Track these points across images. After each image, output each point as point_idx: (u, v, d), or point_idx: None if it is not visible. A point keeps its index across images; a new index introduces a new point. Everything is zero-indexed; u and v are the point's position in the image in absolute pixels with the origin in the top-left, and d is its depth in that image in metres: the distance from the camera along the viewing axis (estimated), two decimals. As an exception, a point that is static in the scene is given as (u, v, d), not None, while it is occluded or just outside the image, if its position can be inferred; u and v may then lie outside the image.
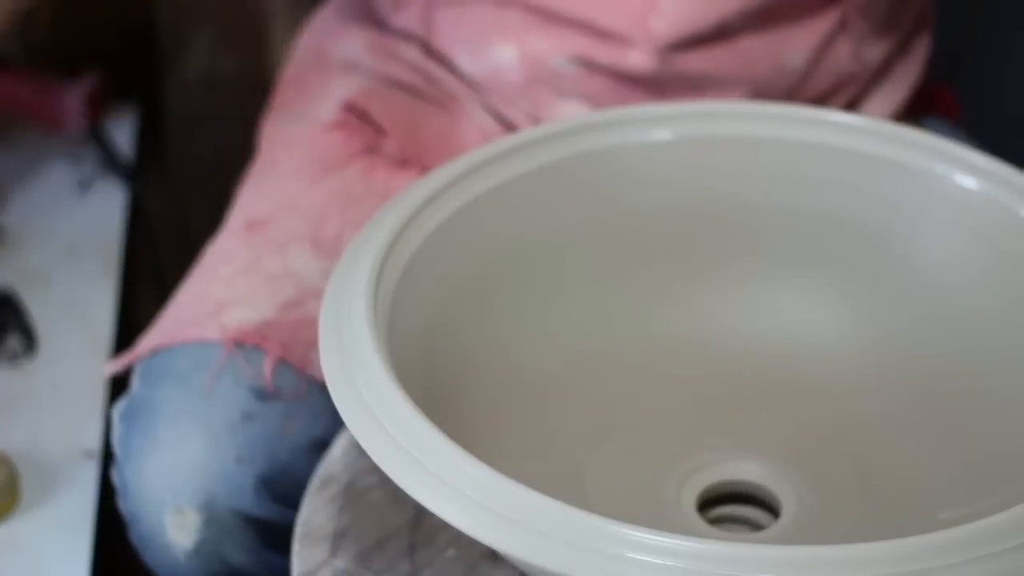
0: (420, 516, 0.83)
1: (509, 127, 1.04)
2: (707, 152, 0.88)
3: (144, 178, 1.41)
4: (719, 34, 0.98)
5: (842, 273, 0.88)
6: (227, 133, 1.54)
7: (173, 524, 0.90)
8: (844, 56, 1.02)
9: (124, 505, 0.93)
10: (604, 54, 0.98)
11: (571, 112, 1.01)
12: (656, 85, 0.99)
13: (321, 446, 0.92)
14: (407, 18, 1.06)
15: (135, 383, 0.95)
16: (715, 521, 0.81)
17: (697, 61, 0.98)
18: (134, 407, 0.93)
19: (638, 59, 0.98)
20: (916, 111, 1.13)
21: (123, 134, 1.39)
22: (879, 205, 0.87)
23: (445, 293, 0.81)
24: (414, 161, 1.03)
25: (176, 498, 0.90)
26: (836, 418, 0.84)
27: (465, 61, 1.03)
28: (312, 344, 0.92)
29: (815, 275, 0.88)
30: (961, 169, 0.84)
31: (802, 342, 0.87)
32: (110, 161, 1.34)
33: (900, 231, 0.87)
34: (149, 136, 1.48)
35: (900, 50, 1.07)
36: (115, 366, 0.98)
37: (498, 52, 1.01)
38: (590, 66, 0.99)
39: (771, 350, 0.87)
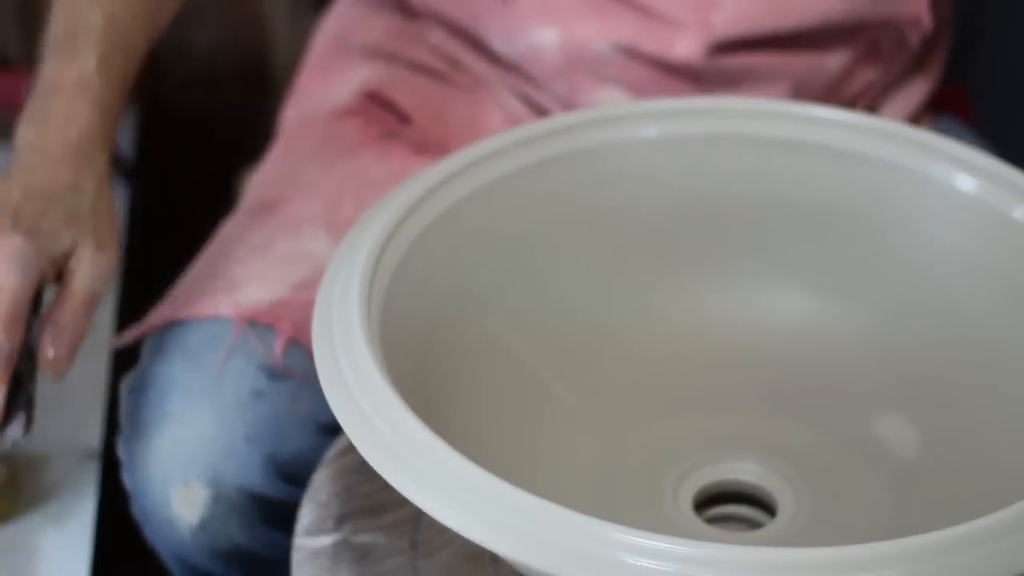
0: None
1: (539, 111, 1.04)
2: (702, 150, 0.88)
3: (144, 178, 1.41)
4: (768, 40, 0.98)
5: (838, 271, 0.88)
6: (227, 133, 1.55)
7: (179, 499, 0.90)
8: (874, 65, 1.03)
9: (129, 478, 0.93)
10: (651, 43, 0.98)
11: (608, 98, 1.00)
12: (697, 77, 0.99)
13: (330, 427, 0.92)
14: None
15: (145, 356, 0.94)
16: (712, 521, 0.82)
17: (742, 59, 0.99)
18: (144, 380, 0.93)
19: (686, 51, 0.97)
20: (931, 112, 1.13)
21: (123, 134, 1.39)
22: (876, 203, 0.87)
23: (440, 287, 0.81)
24: (435, 146, 1.02)
25: (184, 473, 0.90)
26: (833, 417, 0.85)
27: (499, 42, 1.02)
28: None
29: (811, 273, 0.88)
30: (958, 168, 0.85)
31: (798, 340, 0.87)
32: (110, 161, 1.34)
33: (897, 229, 0.87)
34: (149, 136, 1.48)
35: (921, 55, 1.08)
36: (125, 338, 0.97)
37: (538, 34, 1.00)
38: (633, 54, 0.99)
39: (767, 348, 0.88)
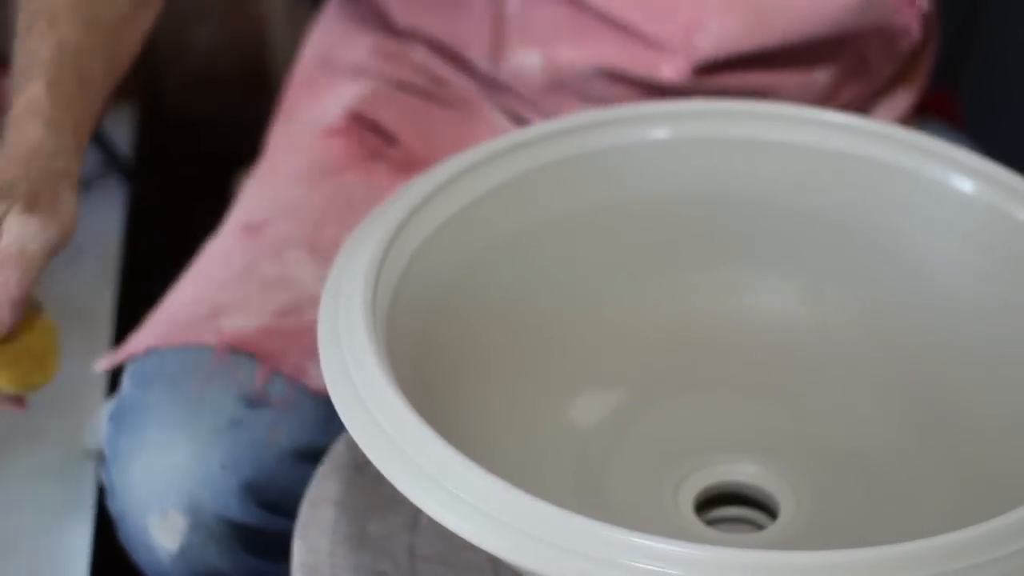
0: (419, 514, 0.84)
1: (525, 125, 1.04)
2: (703, 151, 0.88)
3: (144, 178, 1.41)
4: (755, 58, 0.98)
5: (838, 274, 0.88)
6: (227, 133, 1.55)
7: (157, 526, 0.90)
8: (862, 77, 1.03)
9: (112, 504, 0.93)
10: (636, 66, 0.98)
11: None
12: (683, 96, 0.98)
13: (308, 455, 0.92)
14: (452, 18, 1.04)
15: (125, 384, 0.94)
16: (713, 523, 0.82)
17: (729, 79, 0.98)
18: (123, 408, 0.93)
19: (672, 72, 0.97)
20: (919, 116, 1.13)
21: (123, 134, 1.39)
22: (874, 206, 0.87)
23: (445, 288, 0.81)
24: (421, 165, 1.02)
25: (161, 501, 0.90)
26: (832, 418, 0.85)
27: (483, 63, 1.03)
28: (307, 353, 0.93)
29: (811, 276, 0.88)
30: (956, 171, 0.85)
31: (800, 342, 0.87)
32: (110, 161, 1.34)
33: (895, 232, 0.87)
34: (149, 136, 1.48)
35: (908, 62, 1.08)
36: (107, 363, 0.97)
37: (521, 57, 1.00)
38: (617, 78, 0.99)
39: (769, 350, 0.88)
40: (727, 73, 0.97)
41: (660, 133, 0.88)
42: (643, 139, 0.88)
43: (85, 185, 1.33)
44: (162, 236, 1.40)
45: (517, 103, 1.03)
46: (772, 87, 0.98)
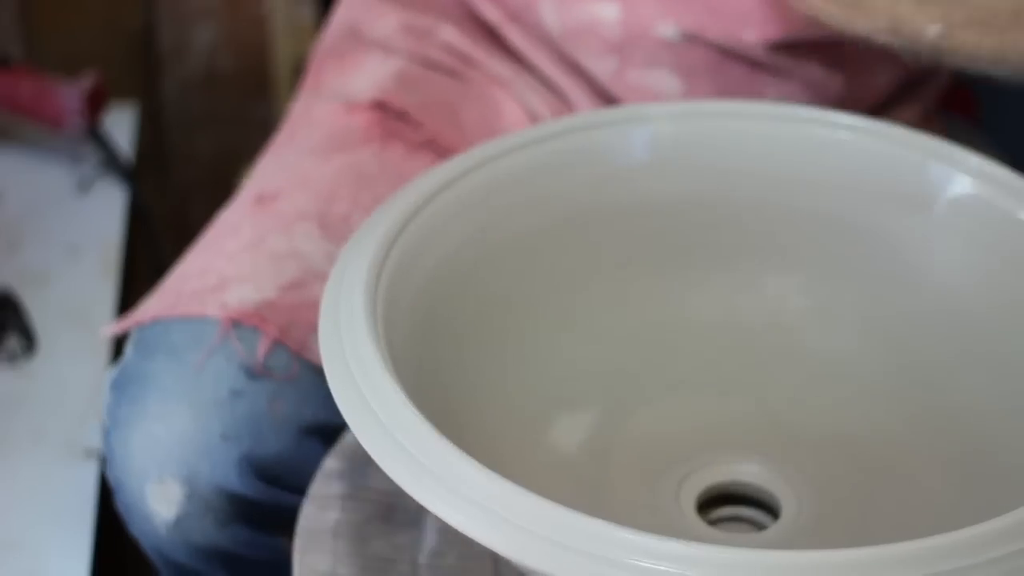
0: (422, 511, 0.84)
1: (563, 100, 1.02)
2: (704, 150, 0.88)
3: (144, 178, 1.41)
4: (842, 44, 0.96)
5: (840, 274, 0.88)
6: (227, 133, 1.55)
7: (155, 495, 0.90)
8: (918, 85, 1.02)
9: (110, 473, 0.93)
10: (718, 30, 0.95)
11: (657, 81, 0.99)
12: (759, 65, 0.97)
13: (309, 429, 0.92)
14: None
15: (128, 351, 0.94)
16: (715, 522, 0.82)
17: (802, 61, 0.97)
18: (125, 376, 0.93)
19: (754, 37, 0.95)
20: (939, 113, 1.12)
21: (123, 134, 1.39)
22: (876, 206, 0.87)
23: (444, 285, 0.81)
24: (441, 147, 1.01)
25: (159, 470, 0.90)
26: (835, 418, 0.85)
27: (550, 10, 1.00)
28: (311, 327, 0.92)
29: (813, 276, 0.88)
30: (958, 170, 0.84)
31: (800, 342, 0.87)
32: (110, 161, 1.34)
33: (897, 232, 0.87)
34: (149, 136, 1.48)
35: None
36: (115, 328, 0.97)
37: (598, 8, 0.98)
38: (696, 40, 0.97)
39: (769, 350, 0.87)
40: (804, 52, 0.96)
41: (664, 130, 0.88)
42: (648, 137, 0.88)
43: (85, 185, 1.33)
44: (162, 236, 1.40)
45: (567, 66, 1.00)
46: (831, 82, 0.97)
